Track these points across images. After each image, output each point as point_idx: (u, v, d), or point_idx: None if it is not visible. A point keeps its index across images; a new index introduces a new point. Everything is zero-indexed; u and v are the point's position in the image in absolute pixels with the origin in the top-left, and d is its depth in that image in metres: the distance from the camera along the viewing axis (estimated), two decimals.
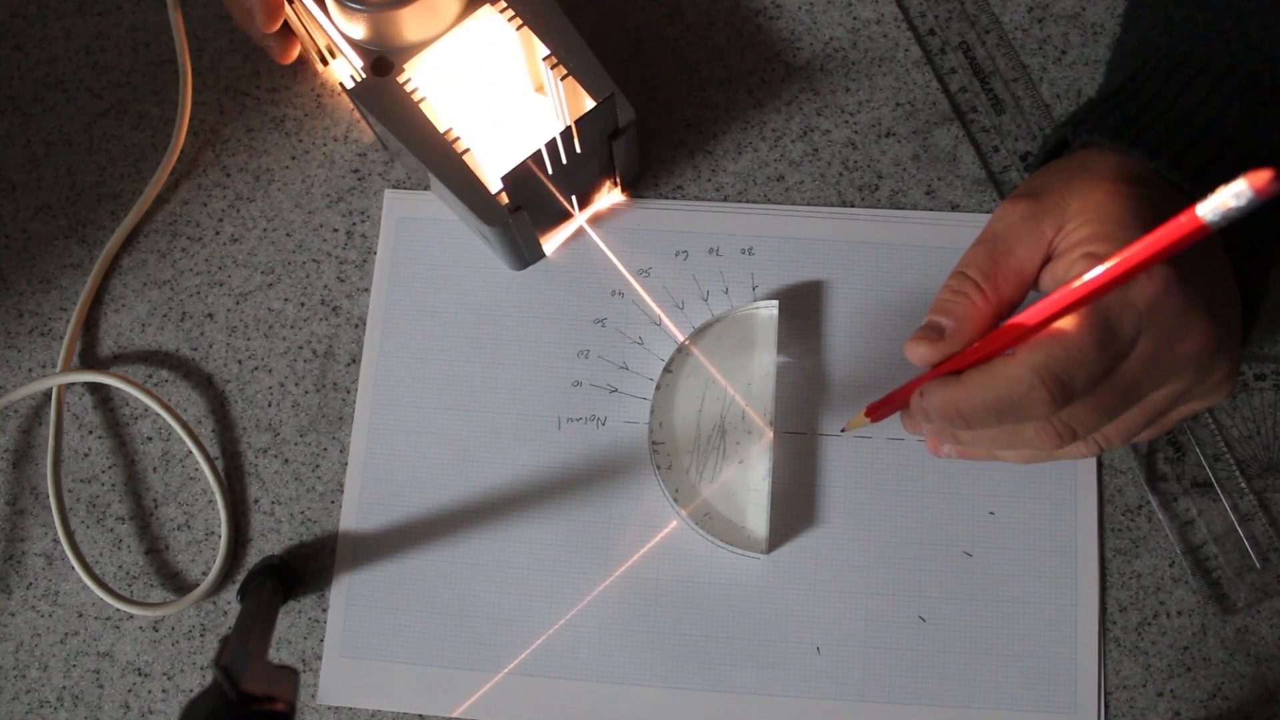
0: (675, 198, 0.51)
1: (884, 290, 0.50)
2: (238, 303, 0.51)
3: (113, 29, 0.55)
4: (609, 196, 0.51)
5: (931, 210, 0.51)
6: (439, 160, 0.44)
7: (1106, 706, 0.45)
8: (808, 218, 0.51)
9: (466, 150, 0.43)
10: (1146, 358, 0.33)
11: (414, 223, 0.52)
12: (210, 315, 0.51)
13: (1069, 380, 0.32)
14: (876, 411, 0.42)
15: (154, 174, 0.52)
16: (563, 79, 0.43)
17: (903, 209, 0.51)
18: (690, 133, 0.52)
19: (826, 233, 0.51)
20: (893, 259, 0.50)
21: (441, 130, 0.44)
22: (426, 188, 0.52)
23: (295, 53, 0.51)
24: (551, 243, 0.51)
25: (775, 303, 0.48)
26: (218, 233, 0.52)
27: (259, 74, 0.54)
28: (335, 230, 0.52)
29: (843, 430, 0.47)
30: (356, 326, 0.51)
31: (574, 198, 0.49)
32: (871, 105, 0.52)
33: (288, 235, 0.52)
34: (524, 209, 0.44)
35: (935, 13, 0.53)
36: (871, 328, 0.49)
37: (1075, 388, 0.32)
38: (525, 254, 0.49)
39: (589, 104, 0.43)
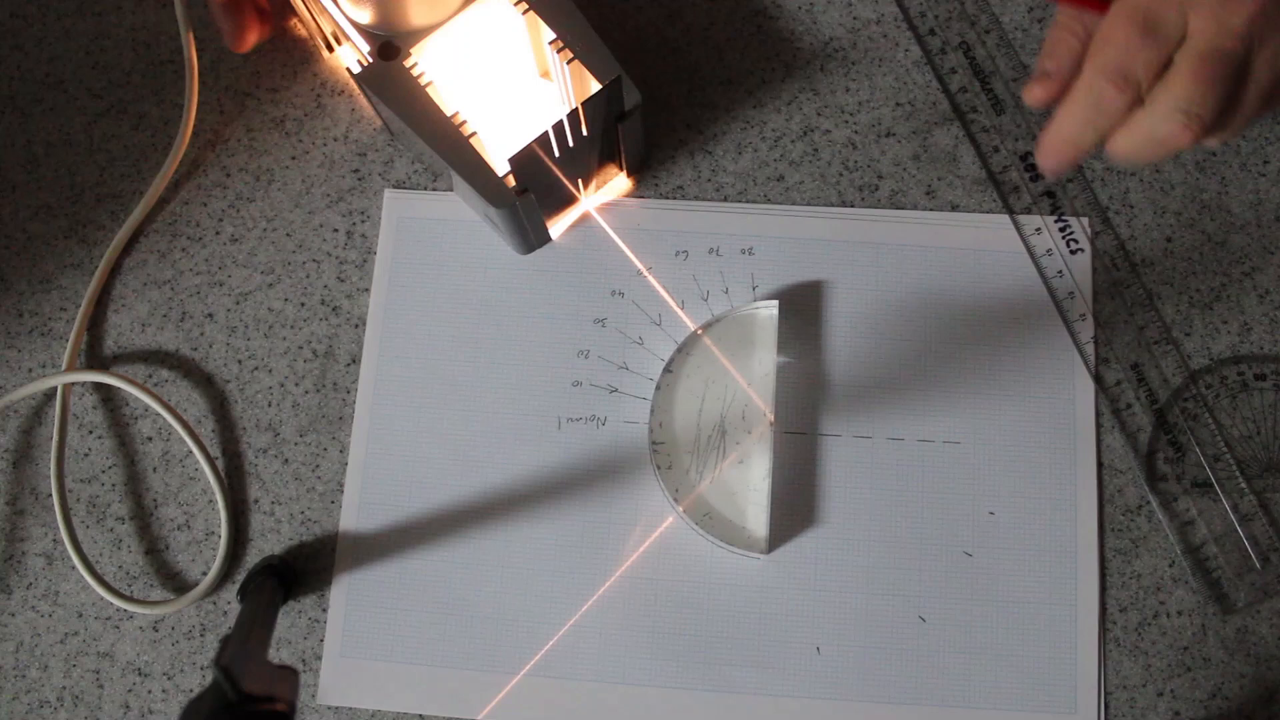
0: (675, 198, 0.51)
1: (884, 290, 0.50)
2: (238, 303, 0.51)
3: (113, 29, 0.55)
4: (615, 181, 0.51)
5: (931, 210, 0.51)
6: (446, 144, 0.44)
7: (1106, 707, 0.45)
8: (808, 218, 0.51)
9: (473, 134, 0.43)
10: (1208, 23, 0.33)
11: (414, 223, 0.52)
12: (210, 315, 0.51)
13: (1126, 69, 0.33)
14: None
15: (155, 174, 0.52)
16: (569, 62, 0.43)
17: (903, 209, 0.51)
18: (690, 133, 0.52)
19: (826, 233, 0.51)
20: (893, 259, 0.50)
21: (448, 114, 0.44)
22: (431, 180, 0.52)
23: (251, 42, 0.50)
24: (558, 226, 0.51)
25: (775, 303, 0.48)
26: (218, 233, 0.52)
27: (259, 74, 0.54)
28: (335, 230, 0.52)
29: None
30: (356, 326, 0.51)
31: (580, 181, 0.49)
32: (871, 105, 0.52)
33: (288, 235, 0.52)
34: (531, 191, 0.44)
35: (935, 13, 0.53)
36: (871, 328, 0.49)
37: (1135, 73, 0.33)
38: (532, 237, 0.49)
39: (595, 88, 0.43)
